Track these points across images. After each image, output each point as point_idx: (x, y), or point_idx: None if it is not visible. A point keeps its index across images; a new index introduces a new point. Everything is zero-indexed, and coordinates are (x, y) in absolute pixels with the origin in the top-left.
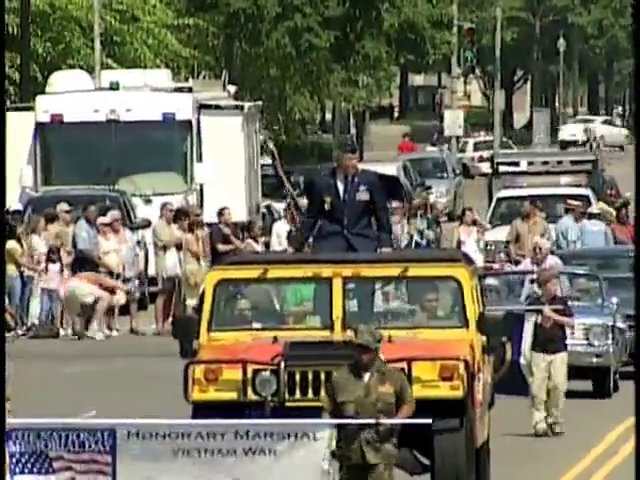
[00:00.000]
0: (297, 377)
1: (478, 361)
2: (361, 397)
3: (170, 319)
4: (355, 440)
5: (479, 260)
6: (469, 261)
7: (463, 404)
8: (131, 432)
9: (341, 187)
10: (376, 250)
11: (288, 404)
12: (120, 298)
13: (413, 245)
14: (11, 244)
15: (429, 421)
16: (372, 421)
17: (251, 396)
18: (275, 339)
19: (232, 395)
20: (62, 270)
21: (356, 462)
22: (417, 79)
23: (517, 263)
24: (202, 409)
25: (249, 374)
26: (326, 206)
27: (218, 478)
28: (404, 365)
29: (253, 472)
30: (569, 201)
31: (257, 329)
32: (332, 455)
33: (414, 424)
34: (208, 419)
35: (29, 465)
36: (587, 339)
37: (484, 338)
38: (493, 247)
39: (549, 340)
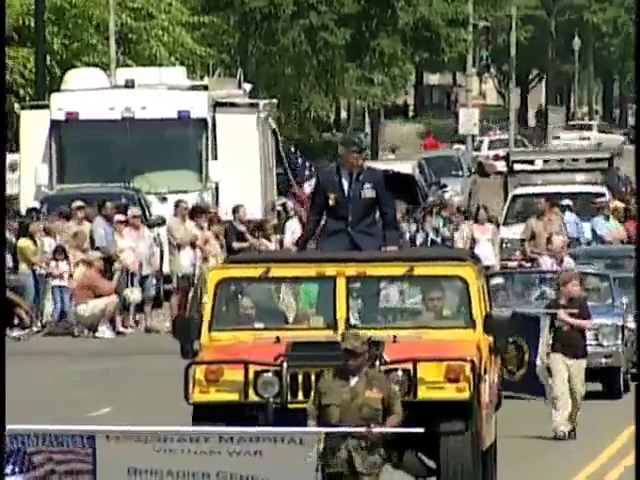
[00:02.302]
0: (300, 378)
1: (485, 362)
2: (347, 401)
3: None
4: (341, 447)
5: (493, 258)
6: (476, 260)
7: (469, 406)
8: (110, 436)
9: (346, 184)
10: (381, 248)
11: (290, 406)
12: (136, 296)
13: (429, 243)
14: (23, 242)
15: (421, 430)
16: (363, 429)
17: (253, 397)
18: (277, 339)
19: (233, 396)
20: (73, 268)
21: (341, 470)
22: (432, 78)
23: (532, 261)
24: (203, 410)
25: (251, 375)
26: (330, 202)
27: (202, 470)
28: (409, 366)
29: (238, 466)
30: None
31: (259, 329)
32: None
33: (419, 423)
34: (209, 421)
35: (10, 466)
36: (597, 339)
37: (491, 338)
38: (509, 245)
39: (568, 344)
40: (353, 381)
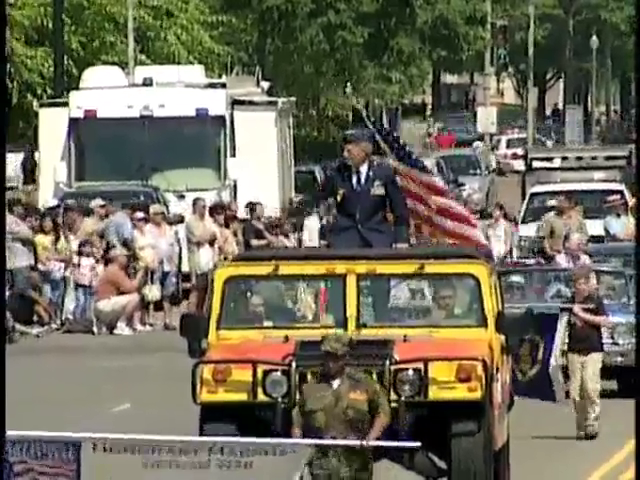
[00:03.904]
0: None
1: (497, 361)
2: (331, 404)
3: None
4: (330, 452)
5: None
6: (488, 258)
7: (481, 406)
8: (97, 446)
9: (354, 180)
10: (391, 246)
11: None
12: (154, 294)
13: None
14: (38, 239)
15: (418, 444)
16: (357, 442)
17: (261, 397)
18: (286, 338)
19: (241, 396)
20: (94, 266)
21: (329, 475)
22: (450, 77)
23: (549, 259)
24: (210, 411)
25: (259, 375)
26: (338, 198)
27: None
28: (420, 366)
29: (228, 478)
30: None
31: (268, 327)
32: (308, 467)
33: (430, 423)
34: (217, 422)
35: None
36: (612, 338)
37: (503, 337)
38: (526, 243)
39: (582, 340)
40: (335, 384)
